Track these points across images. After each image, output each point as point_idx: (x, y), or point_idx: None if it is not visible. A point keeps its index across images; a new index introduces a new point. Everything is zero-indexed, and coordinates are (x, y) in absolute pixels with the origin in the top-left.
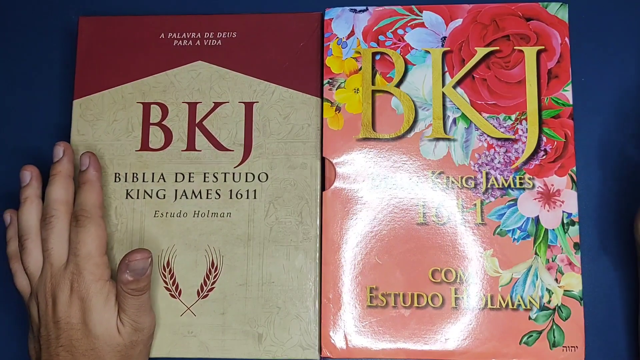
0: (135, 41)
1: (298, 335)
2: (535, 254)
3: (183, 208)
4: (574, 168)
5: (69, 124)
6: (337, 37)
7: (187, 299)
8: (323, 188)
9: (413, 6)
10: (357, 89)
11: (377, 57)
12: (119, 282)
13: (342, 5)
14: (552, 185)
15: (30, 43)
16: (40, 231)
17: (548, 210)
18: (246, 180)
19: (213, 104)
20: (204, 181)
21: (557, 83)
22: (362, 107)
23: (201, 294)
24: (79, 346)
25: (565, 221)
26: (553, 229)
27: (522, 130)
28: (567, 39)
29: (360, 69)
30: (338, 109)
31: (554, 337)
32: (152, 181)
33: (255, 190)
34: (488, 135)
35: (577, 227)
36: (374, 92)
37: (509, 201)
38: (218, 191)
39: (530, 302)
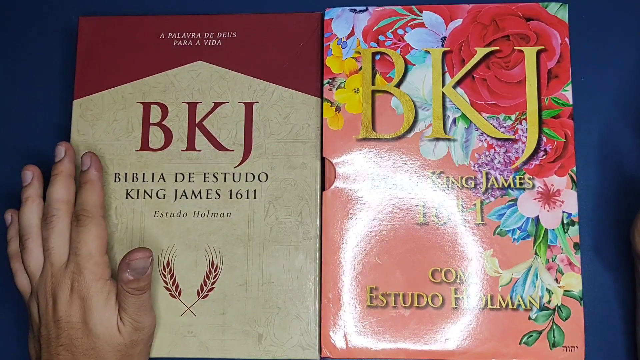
0: (135, 41)
1: (298, 335)
2: (535, 254)
3: (183, 208)
4: (574, 168)
5: (69, 124)
6: (337, 37)
7: (187, 299)
8: (323, 188)
9: (413, 6)
10: (357, 89)
11: (377, 57)
12: (120, 281)
13: (342, 5)
14: (552, 185)
15: (30, 43)
16: (41, 231)
17: (548, 210)
18: (246, 180)
19: (213, 104)
20: (204, 181)
21: (557, 83)
22: (362, 107)
23: (201, 294)
24: (79, 345)
25: (565, 221)
26: (553, 229)
27: (522, 130)
28: (567, 39)
29: (360, 69)
30: (338, 109)
31: (554, 337)
32: (152, 181)
33: (255, 190)
34: (488, 135)
35: (577, 227)
36: (374, 92)
37: (509, 201)
38: (218, 191)
39: (530, 302)
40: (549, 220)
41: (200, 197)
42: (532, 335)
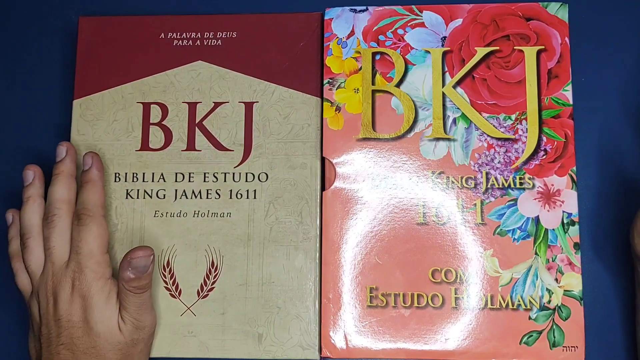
0: (135, 41)
1: (298, 335)
2: (535, 254)
3: (183, 208)
4: (574, 168)
5: (69, 124)
6: (337, 37)
7: (187, 299)
8: (323, 188)
9: (413, 6)
10: (357, 89)
11: (377, 57)
12: (121, 279)
13: (342, 5)
14: (552, 185)
15: (30, 43)
16: (42, 230)
17: (548, 210)
18: (246, 180)
19: (213, 104)
20: (204, 181)
21: (557, 83)
22: (362, 107)
23: (201, 294)
24: (79, 344)
25: (565, 221)
26: (553, 229)
27: (522, 130)
28: (567, 39)
29: (360, 68)
30: (338, 109)
31: (554, 337)
32: (152, 181)
33: (255, 190)
34: (488, 135)
35: (577, 227)
36: (374, 92)
37: (509, 201)
38: (218, 191)
39: (530, 302)
40: (549, 220)
41: (200, 197)
42: (532, 335)
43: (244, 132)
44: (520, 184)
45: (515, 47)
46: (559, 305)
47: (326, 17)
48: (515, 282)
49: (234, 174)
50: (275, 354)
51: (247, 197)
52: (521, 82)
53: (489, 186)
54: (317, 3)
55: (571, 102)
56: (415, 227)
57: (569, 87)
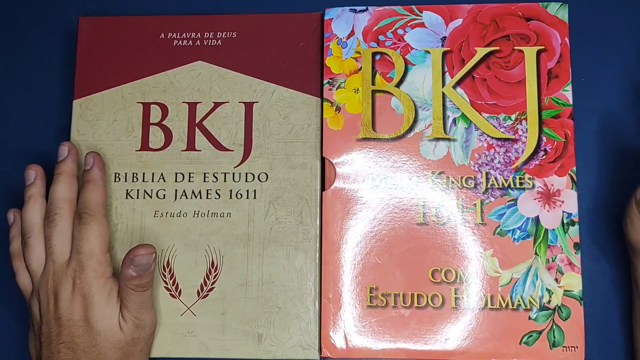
0: (135, 41)
1: (298, 335)
2: (535, 254)
3: (183, 208)
4: (574, 168)
5: (69, 124)
6: (337, 37)
7: (187, 299)
8: (323, 188)
9: (413, 6)
10: (357, 89)
11: (377, 57)
12: (123, 277)
13: (342, 5)
14: (552, 185)
15: (30, 43)
16: (43, 229)
17: (548, 210)
18: (246, 180)
19: (213, 104)
20: (204, 181)
21: (557, 83)
22: (362, 107)
23: (201, 294)
24: (80, 343)
25: (565, 221)
26: (553, 229)
27: (522, 130)
28: (567, 39)
29: (360, 69)
30: (338, 109)
31: (554, 337)
32: (152, 181)
33: (255, 190)
34: (488, 135)
35: (577, 227)
36: (374, 92)
37: (509, 201)
38: (218, 191)
39: (530, 302)
40: (549, 220)
41: (200, 197)
42: (532, 335)
43: (244, 132)
44: (520, 184)
45: (515, 47)
46: (559, 305)
47: (326, 17)
48: (515, 282)
49: (234, 174)
50: (275, 354)
51: (247, 197)
52: (521, 82)
53: (488, 186)
54: (317, 3)
55: (571, 102)
56: (415, 227)
57: (569, 87)
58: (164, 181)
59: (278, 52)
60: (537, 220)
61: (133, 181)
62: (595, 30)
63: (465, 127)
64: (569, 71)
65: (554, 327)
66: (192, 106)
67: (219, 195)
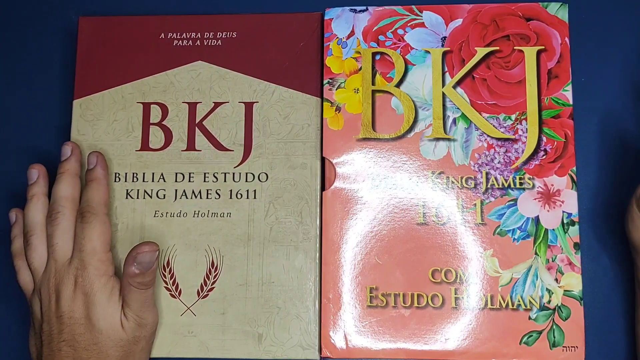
0: (135, 41)
1: (298, 335)
2: (535, 254)
3: (183, 208)
4: (574, 168)
5: (69, 124)
6: (337, 37)
7: (187, 299)
8: (323, 188)
9: (413, 6)
10: (357, 89)
11: (377, 57)
12: (126, 274)
13: (342, 5)
14: (552, 185)
15: (30, 43)
16: (45, 228)
17: (548, 210)
18: (246, 180)
19: (213, 104)
20: (204, 181)
21: (557, 83)
22: (362, 107)
23: (201, 294)
24: (81, 341)
25: (565, 221)
26: (553, 229)
27: (522, 130)
28: (567, 39)
29: (360, 69)
30: (338, 109)
31: (554, 337)
32: (152, 181)
33: (255, 190)
34: (488, 135)
35: (577, 227)
36: (374, 92)
37: (509, 201)
38: (218, 191)
39: (530, 302)
40: (549, 220)
41: (200, 197)
42: (532, 335)
43: (244, 132)
44: (520, 184)
45: (515, 47)
46: (559, 305)
47: (326, 17)
48: (515, 282)
49: (234, 174)
50: (275, 354)
51: (247, 197)
52: (521, 82)
53: (488, 186)
54: (317, 3)
55: (571, 102)
56: (415, 227)
57: (569, 87)
58: (164, 181)
59: (278, 52)
60: (537, 220)
61: (133, 181)
62: (595, 30)
63: (465, 127)
64: (569, 71)
65: (554, 327)
66: (192, 106)
67: (219, 195)
